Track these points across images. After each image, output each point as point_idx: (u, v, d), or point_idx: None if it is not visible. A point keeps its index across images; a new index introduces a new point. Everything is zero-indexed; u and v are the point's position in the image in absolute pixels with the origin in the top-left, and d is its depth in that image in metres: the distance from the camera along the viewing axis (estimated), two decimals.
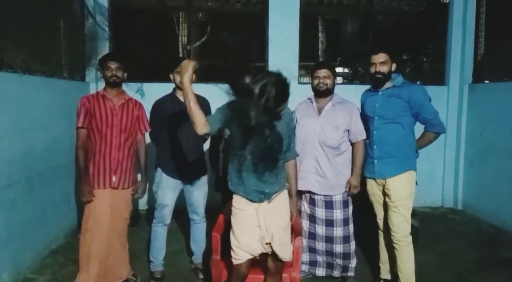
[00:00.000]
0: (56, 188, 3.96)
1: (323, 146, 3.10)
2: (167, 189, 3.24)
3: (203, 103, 3.42)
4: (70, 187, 4.28)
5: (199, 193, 3.36)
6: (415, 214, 3.44)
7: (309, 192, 3.17)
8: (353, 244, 3.21)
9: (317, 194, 3.15)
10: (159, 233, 3.32)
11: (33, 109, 3.51)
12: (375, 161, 3.03)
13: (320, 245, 3.21)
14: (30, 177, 3.44)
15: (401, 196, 2.95)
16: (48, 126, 3.78)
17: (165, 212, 3.27)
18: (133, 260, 3.36)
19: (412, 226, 3.06)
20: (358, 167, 3.12)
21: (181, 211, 3.52)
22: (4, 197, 3.07)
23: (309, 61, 6.64)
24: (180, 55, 7.92)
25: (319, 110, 3.16)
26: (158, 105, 3.29)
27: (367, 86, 3.22)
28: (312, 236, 3.22)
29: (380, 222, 3.18)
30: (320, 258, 3.25)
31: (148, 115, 3.25)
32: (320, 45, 9.19)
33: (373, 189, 3.13)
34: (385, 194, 3.04)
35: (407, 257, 2.97)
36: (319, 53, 9.26)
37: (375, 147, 3.03)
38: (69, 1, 4.62)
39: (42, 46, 4.02)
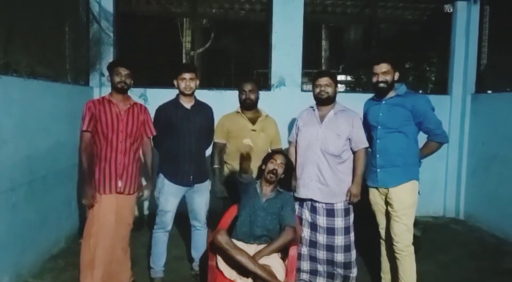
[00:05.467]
0: (58, 192, 3.96)
1: (325, 154, 3.10)
2: (169, 195, 3.25)
3: (207, 112, 3.44)
4: (72, 191, 4.29)
5: (200, 200, 3.37)
6: (416, 223, 3.43)
7: (311, 199, 3.17)
8: (354, 253, 3.20)
9: (319, 202, 3.14)
10: (160, 239, 3.31)
11: (37, 113, 3.53)
12: (378, 170, 3.03)
13: (321, 254, 3.20)
14: (33, 181, 3.45)
15: (403, 205, 2.94)
16: (51, 131, 3.80)
17: (167, 218, 3.27)
18: (134, 265, 3.35)
19: (414, 236, 3.04)
20: (359, 175, 3.12)
21: (182, 217, 3.51)
22: (6, 200, 3.07)
23: (312, 69, 6.66)
24: (184, 61, 7.96)
25: (321, 118, 3.17)
26: (162, 110, 3.31)
27: (370, 95, 3.23)
28: (313, 244, 3.21)
29: (382, 231, 3.17)
30: (320, 268, 3.23)
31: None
32: (323, 53, 9.21)
33: (376, 198, 3.12)
34: (387, 203, 3.04)
35: (409, 267, 2.96)
36: (322, 61, 9.28)
37: (378, 156, 3.03)
38: (75, 6, 4.66)
39: (47, 51, 4.04)
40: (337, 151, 3.10)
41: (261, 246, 2.85)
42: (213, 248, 2.75)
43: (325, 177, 3.11)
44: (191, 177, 3.25)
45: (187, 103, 3.29)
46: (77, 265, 3.06)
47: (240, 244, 2.83)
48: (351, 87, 9.60)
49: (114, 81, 3.02)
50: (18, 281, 3.23)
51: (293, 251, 2.84)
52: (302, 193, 3.18)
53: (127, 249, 3.17)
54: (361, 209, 3.24)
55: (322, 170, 3.11)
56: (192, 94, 3.30)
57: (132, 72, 3.06)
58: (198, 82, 3.33)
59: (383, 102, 3.02)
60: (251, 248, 2.83)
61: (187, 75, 3.22)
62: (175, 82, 3.27)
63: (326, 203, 3.13)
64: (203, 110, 3.40)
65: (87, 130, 2.99)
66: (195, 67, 3.55)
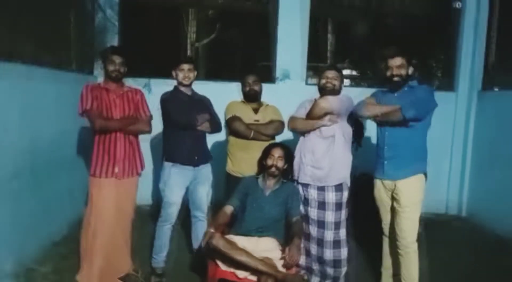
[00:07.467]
0: (61, 179, 3.97)
1: (320, 138, 3.08)
2: (175, 186, 3.26)
3: (205, 101, 3.46)
4: (74, 178, 4.28)
5: (203, 190, 3.40)
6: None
7: (304, 188, 3.14)
8: (344, 251, 3.07)
9: (311, 192, 3.10)
10: (164, 232, 3.33)
11: (40, 101, 3.52)
12: (385, 162, 2.98)
13: (313, 249, 3.13)
14: (36, 169, 3.45)
15: (410, 200, 2.91)
16: (55, 118, 3.79)
17: (172, 210, 3.29)
18: (135, 254, 3.36)
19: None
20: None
21: (183, 209, 3.51)
22: (10, 188, 3.07)
23: (317, 62, 6.62)
24: (188, 51, 7.94)
25: None
26: (166, 100, 3.32)
27: (374, 90, 3.20)
28: (307, 236, 3.15)
29: (386, 227, 3.15)
30: (314, 266, 3.19)
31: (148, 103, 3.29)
32: (328, 46, 9.16)
33: (381, 193, 3.09)
34: (393, 199, 3.00)
35: (413, 264, 2.94)
36: (328, 55, 9.23)
37: (385, 147, 2.98)
38: None
39: (52, 38, 4.03)
40: (331, 134, 3.05)
41: (263, 238, 2.88)
42: (209, 252, 2.76)
43: (319, 161, 3.06)
44: (196, 157, 3.29)
45: (187, 93, 3.36)
46: (79, 252, 3.08)
47: (239, 238, 2.84)
48: (356, 82, 9.55)
49: (108, 69, 3.00)
50: (20, 268, 3.23)
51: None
52: (301, 177, 3.15)
53: (129, 240, 3.18)
54: (364, 203, 3.23)
55: (317, 154, 3.07)
56: (190, 85, 3.35)
57: (127, 59, 3.05)
58: (196, 73, 3.39)
59: (395, 94, 2.97)
60: (252, 241, 2.83)
61: (185, 66, 3.27)
62: (173, 73, 3.31)
63: (318, 187, 3.07)
64: (202, 99, 3.46)
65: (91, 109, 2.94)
66: (193, 59, 3.61)
